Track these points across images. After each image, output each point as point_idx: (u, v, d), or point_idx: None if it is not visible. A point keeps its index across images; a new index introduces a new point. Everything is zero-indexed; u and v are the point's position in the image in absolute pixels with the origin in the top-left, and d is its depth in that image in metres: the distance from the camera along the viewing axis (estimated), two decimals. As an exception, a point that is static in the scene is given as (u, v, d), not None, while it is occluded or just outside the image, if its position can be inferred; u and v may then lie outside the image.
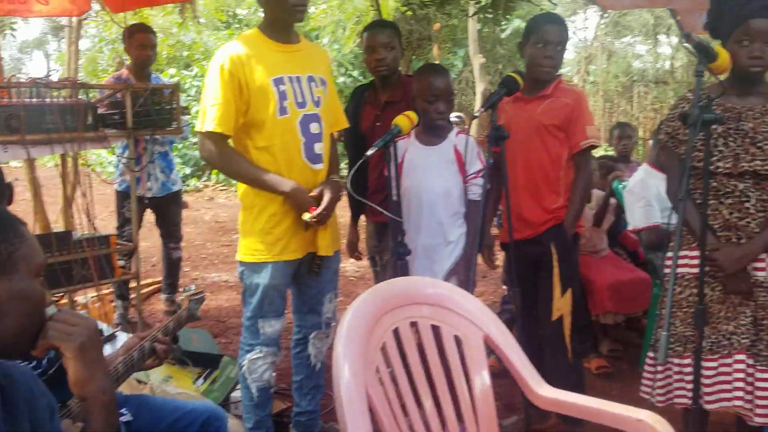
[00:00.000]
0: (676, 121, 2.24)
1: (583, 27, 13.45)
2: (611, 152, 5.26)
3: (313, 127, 2.38)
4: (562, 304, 2.66)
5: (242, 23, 14.01)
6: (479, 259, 2.83)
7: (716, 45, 2.05)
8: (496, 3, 3.55)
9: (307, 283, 2.52)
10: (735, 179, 2.14)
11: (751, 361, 2.12)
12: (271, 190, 2.32)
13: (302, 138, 2.36)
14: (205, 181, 11.23)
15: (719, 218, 2.17)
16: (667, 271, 2.09)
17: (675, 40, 10.93)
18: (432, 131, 2.73)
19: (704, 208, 1.97)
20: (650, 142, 4.36)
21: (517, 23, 6.91)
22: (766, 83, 2.23)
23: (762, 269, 2.14)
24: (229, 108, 2.27)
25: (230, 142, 2.35)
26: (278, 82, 2.31)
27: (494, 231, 3.21)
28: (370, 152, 2.26)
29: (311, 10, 11.56)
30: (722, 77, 2.14)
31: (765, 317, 2.12)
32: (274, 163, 2.33)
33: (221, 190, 10.83)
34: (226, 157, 2.35)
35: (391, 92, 3.03)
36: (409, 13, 3.86)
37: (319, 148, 2.41)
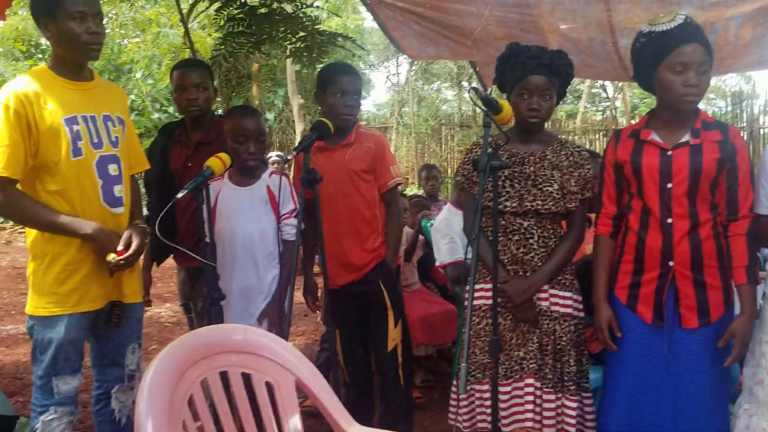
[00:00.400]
0: (470, 166, 2.44)
1: (396, 73, 14.18)
2: (421, 192, 5.58)
3: (112, 169, 2.27)
4: (395, 335, 2.81)
5: (46, 53, 12.99)
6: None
7: (502, 99, 2.26)
8: (310, 46, 3.67)
9: (108, 334, 2.37)
10: (520, 218, 2.35)
11: (538, 384, 2.32)
12: (70, 233, 2.16)
13: (100, 180, 2.24)
14: (1, 223, 10.16)
15: (508, 253, 2.37)
16: (466, 303, 2.24)
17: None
18: (245, 172, 2.74)
19: (495, 244, 2.15)
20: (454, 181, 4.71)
21: (332, 63, 7.12)
22: (544, 132, 2.49)
23: (545, 299, 2.36)
24: (16, 150, 2.09)
25: (19, 186, 2.16)
26: (71, 121, 2.18)
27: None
28: (180, 195, 2.19)
29: (123, 42, 11.03)
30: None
31: (548, 343, 2.33)
32: (69, 208, 2.18)
33: (20, 233, 9.90)
34: (15, 203, 2.16)
35: (204, 133, 2.98)
36: (227, 50, 3.82)
37: (119, 190, 2.30)
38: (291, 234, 2.69)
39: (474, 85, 2.38)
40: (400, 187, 3.03)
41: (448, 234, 3.54)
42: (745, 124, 10.27)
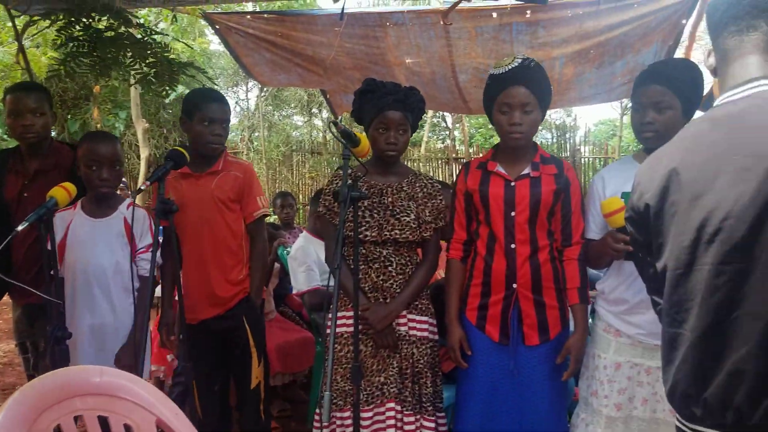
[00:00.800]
0: (331, 196, 2.50)
1: (246, 98, 13.99)
2: (276, 220, 5.56)
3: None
4: (259, 372, 2.76)
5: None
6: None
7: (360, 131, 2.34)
8: (159, 74, 3.55)
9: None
10: (380, 246, 2.44)
11: (399, 407, 2.40)
12: None
13: None
14: None
15: (368, 281, 2.44)
16: (328, 331, 2.27)
17: (326, 114, 12.05)
18: (100, 202, 2.60)
19: (356, 272, 2.21)
20: (308, 208, 4.72)
21: (181, 89, 6.90)
22: (400, 164, 2.61)
23: (403, 324, 2.45)
24: None
25: None
26: None
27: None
28: (20, 228, 2.04)
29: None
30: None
31: (408, 366, 2.43)
32: None
33: None
34: None
35: (41, 161, 2.80)
36: (65, 70, 3.58)
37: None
38: (146, 269, 2.58)
39: (333, 119, 2.45)
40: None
41: (305, 262, 3.57)
42: (568, 154, 11.27)
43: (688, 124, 1.48)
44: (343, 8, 3.87)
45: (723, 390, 1.26)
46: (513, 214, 2.33)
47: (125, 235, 2.57)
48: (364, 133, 2.37)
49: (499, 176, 2.37)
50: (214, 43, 11.83)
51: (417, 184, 2.53)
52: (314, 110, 13.14)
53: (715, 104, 1.38)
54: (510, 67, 2.28)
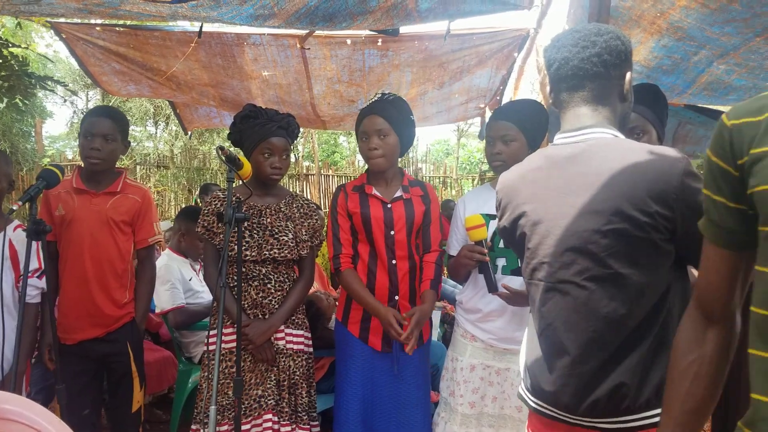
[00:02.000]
0: (212, 217, 2.56)
1: (86, 108, 13.10)
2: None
3: None
4: (140, 397, 2.73)
5: None
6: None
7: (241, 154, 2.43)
8: (12, 87, 3.35)
9: None
10: (259, 265, 2.55)
11: (276, 419, 2.52)
12: None
13: None
14: None
15: (248, 298, 2.54)
16: (212, 347, 2.32)
17: (174, 127, 11.67)
18: None
19: (239, 290, 2.30)
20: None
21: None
22: (279, 186, 2.73)
23: (281, 338, 2.58)
24: None
25: None
26: None
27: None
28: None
29: None
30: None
31: (285, 379, 2.55)
32: None
33: None
34: None
35: None
36: None
37: None
38: (32, 296, 2.50)
39: (220, 145, 2.46)
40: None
41: (168, 280, 3.54)
42: (411, 171, 11.82)
43: (532, 154, 1.76)
44: (200, 28, 3.91)
45: (555, 385, 1.56)
46: (392, 233, 2.57)
47: (9, 259, 2.46)
48: (244, 156, 2.46)
49: (376, 199, 2.60)
50: (55, 47, 11.04)
51: (294, 205, 2.67)
52: (161, 122, 12.66)
53: (554, 141, 1.67)
54: (370, 102, 2.57)
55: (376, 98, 2.60)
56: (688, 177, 1.43)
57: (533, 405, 1.66)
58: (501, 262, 2.44)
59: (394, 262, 2.58)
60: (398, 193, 2.61)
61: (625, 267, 1.47)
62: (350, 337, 2.62)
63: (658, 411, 1.44)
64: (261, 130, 2.55)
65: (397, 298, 2.59)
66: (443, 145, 22.46)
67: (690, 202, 1.42)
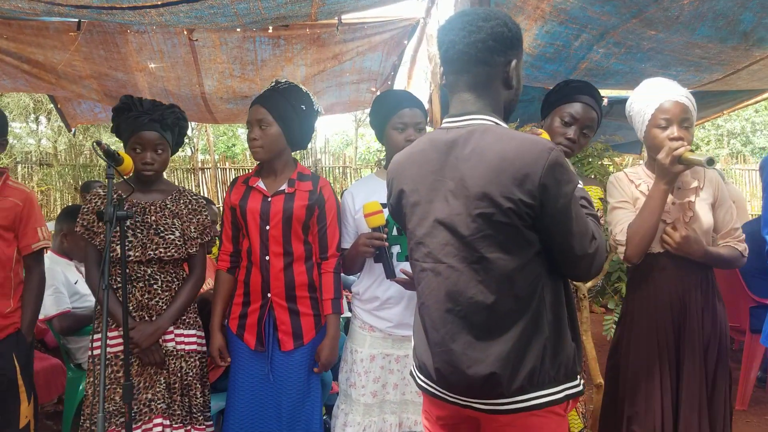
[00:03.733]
0: (92, 215, 2.42)
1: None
2: None
3: None
4: (28, 411, 2.52)
5: None
6: None
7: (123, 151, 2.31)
8: None
9: None
10: (144, 265, 2.44)
11: (167, 422, 2.43)
12: None
13: None
14: None
15: (133, 300, 2.43)
16: (97, 352, 2.19)
17: (58, 122, 11.02)
18: None
19: (123, 292, 2.20)
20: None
21: None
22: (163, 181, 2.62)
23: (170, 340, 2.48)
24: None
25: None
26: None
27: None
28: None
29: None
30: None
31: (176, 381, 2.46)
32: None
33: None
34: None
35: None
36: None
37: None
38: None
39: (98, 140, 2.31)
40: None
41: (52, 284, 3.34)
42: (311, 162, 11.75)
43: (421, 137, 1.80)
44: (79, 22, 3.70)
45: (432, 363, 1.62)
46: (267, 227, 2.48)
47: None
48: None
49: (258, 191, 2.52)
50: None
51: (181, 201, 2.57)
52: (42, 118, 11.91)
53: (441, 125, 1.70)
54: (261, 92, 2.49)
55: (269, 87, 2.54)
56: (554, 167, 1.47)
57: (421, 384, 1.71)
58: (396, 249, 2.45)
59: (267, 258, 2.50)
60: (282, 187, 2.53)
61: (492, 251, 1.52)
62: (229, 332, 2.57)
63: (533, 395, 1.52)
64: (132, 124, 2.43)
65: (269, 295, 2.51)
66: (342, 136, 22.47)
67: (552, 192, 1.47)
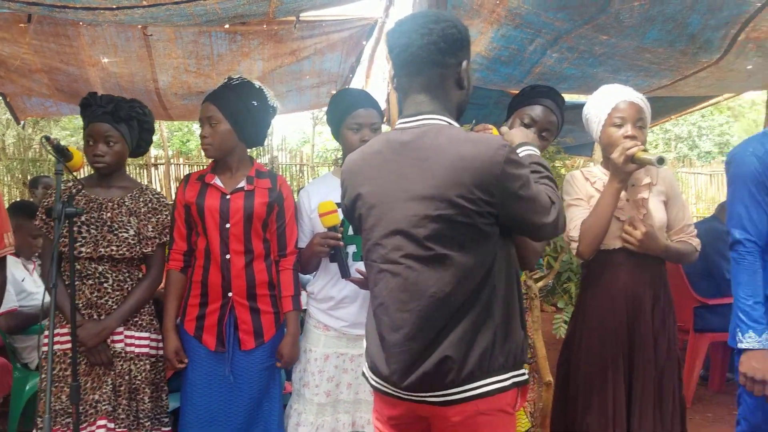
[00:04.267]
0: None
1: None
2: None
3: None
4: None
5: None
6: None
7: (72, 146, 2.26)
8: None
9: None
10: (95, 263, 2.39)
11: (112, 425, 2.38)
12: None
13: None
14: None
15: (83, 297, 2.38)
16: (45, 349, 2.13)
17: (5, 115, 10.66)
18: None
19: (72, 289, 2.15)
20: None
21: None
22: (125, 177, 2.57)
23: (120, 341, 2.43)
24: None
25: None
26: None
27: None
28: None
29: None
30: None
31: (122, 383, 2.41)
32: None
33: None
34: None
35: None
36: None
37: None
38: None
39: (46, 135, 2.26)
40: None
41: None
42: (267, 160, 11.61)
43: (374, 139, 1.81)
44: (30, 16, 3.60)
45: (388, 362, 1.64)
46: (228, 225, 2.46)
47: None
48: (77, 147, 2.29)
49: (216, 189, 2.49)
50: None
51: (141, 199, 2.52)
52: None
53: (396, 126, 1.72)
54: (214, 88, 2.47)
55: (222, 83, 2.51)
56: (508, 165, 1.54)
57: (374, 384, 1.72)
58: (351, 248, 2.46)
59: (228, 256, 2.47)
60: (241, 184, 2.50)
61: (451, 250, 1.56)
62: (185, 335, 2.52)
63: (481, 382, 1.56)
64: (87, 117, 2.41)
65: (230, 295, 2.48)
66: (300, 133, 22.32)
67: (509, 188, 1.54)
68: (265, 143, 11.82)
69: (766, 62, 3.45)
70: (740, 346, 2.14)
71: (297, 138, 21.96)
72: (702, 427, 3.92)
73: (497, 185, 1.53)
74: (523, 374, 1.65)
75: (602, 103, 2.33)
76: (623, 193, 2.30)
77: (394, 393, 1.66)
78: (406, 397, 1.64)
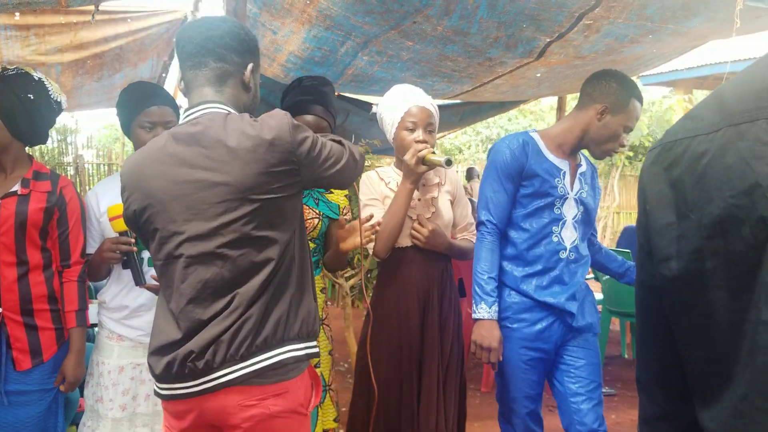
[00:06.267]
0: None
1: None
2: None
3: None
4: None
5: None
6: None
7: None
8: None
9: None
10: None
11: None
12: None
13: None
14: None
15: None
16: None
17: None
18: None
19: None
20: None
21: None
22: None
23: None
24: None
25: None
26: None
27: None
28: None
29: None
30: None
31: None
32: None
33: None
34: None
35: None
36: None
37: None
38: None
39: None
40: None
41: None
42: (71, 159, 10.67)
43: (158, 136, 1.71)
44: None
45: (179, 356, 1.55)
46: None
47: None
48: None
49: None
50: None
51: None
52: None
53: (182, 119, 1.67)
54: None
55: None
56: (295, 130, 1.57)
57: (162, 392, 1.63)
58: (146, 254, 2.31)
59: None
60: (15, 188, 2.24)
61: (260, 230, 1.55)
62: None
63: (279, 350, 1.55)
64: None
65: (1, 310, 2.22)
66: (111, 129, 20.88)
67: (304, 149, 1.57)
68: (69, 140, 10.83)
69: (551, 73, 3.81)
70: (474, 316, 2.35)
71: (107, 135, 20.55)
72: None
73: (294, 151, 1.55)
74: (315, 347, 1.65)
75: (396, 106, 2.43)
76: (416, 193, 2.41)
77: (183, 392, 1.57)
78: (197, 389, 1.55)
